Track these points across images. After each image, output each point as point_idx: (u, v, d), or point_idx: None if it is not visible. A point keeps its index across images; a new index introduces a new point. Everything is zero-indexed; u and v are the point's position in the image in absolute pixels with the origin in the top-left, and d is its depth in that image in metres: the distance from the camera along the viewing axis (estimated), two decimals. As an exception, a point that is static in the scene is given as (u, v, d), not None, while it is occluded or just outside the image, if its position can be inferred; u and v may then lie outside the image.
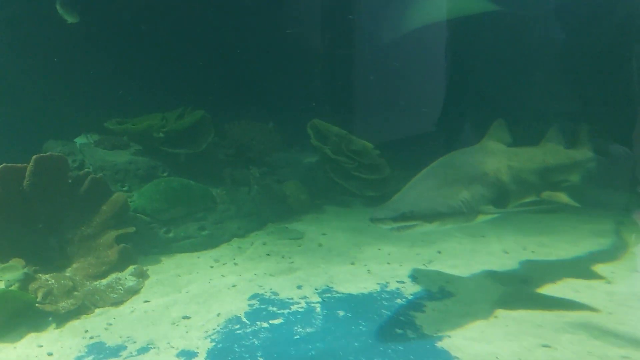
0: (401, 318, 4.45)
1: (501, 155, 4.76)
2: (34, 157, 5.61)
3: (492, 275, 5.40)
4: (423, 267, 5.72)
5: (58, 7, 7.10)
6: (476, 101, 10.75)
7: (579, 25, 9.47)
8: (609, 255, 5.92)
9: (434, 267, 5.73)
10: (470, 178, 4.34)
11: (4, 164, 5.45)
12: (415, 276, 5.46)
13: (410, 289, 5.11)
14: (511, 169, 4.64)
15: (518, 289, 4.95)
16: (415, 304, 4.74)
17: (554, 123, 5.60)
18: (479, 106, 10.76)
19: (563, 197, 4.95)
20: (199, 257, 6.41)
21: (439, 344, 3.92)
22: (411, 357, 3.77)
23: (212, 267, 6.06)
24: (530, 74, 10.06)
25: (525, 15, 9.88)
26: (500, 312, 4.40)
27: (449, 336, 4.03)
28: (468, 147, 5.10)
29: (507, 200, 4.55)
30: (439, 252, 6.18)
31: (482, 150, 4.86)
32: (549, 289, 4.89)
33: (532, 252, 6.16)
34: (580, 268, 5.47)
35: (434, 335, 4.08)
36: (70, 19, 7.20)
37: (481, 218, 4.29)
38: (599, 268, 5.41)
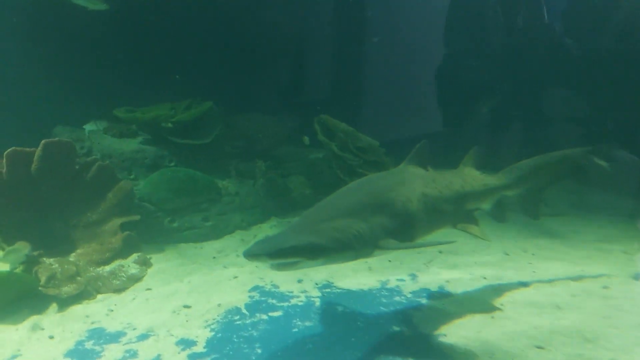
0: (399, 316, 4.49)
1: (417, 182, 4.18)
2: (43, 142, 5.69)
3: (491, 275, 5.41)
4: (423, 266, 5.75)
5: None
6: (485, 100, 10.78)
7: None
8: (609, 260, 5.92)
9: (434, 266, 5.76)
10: (373, 207, 3.79)
11: (13, 148, 5.53)
12: (415, 275, 5.49)
13: (410, 287, 5.14)
14: (426, 197, 4.09)
15: (516, 291, 4.97)
16: (413, 302, 4.77)
17: (474, 145, 5.04)
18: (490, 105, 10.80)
19: (476, 230, 4.43)
20: (202, 248, 6.48)
21: (435, 342, 3.95)
22: (407, 354, 3.80)
23: (214, 257, 6.13)
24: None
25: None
26: (497, 313, 4.42)
27: (445, 335, 4.06)
28: (386, 170, 4.63)
29: (417, 232, 4.01)
30: (440, 252, 6.19)
31: (397, 176, 4.29)
32: (546, 292, 4.90)
33: (532, 254, 6.17)
34: (578, 272, 5.48)
35: (431, 333, 4.11)
36: (93, 6, 7.17)
37: (379, 253, 3.77)
38: (597, 273, 5.41)
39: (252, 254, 3.32)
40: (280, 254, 3.32)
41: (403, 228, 3.84)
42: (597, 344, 3.87)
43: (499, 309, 4.51)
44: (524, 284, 5.14)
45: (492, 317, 4.33)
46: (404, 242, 3.81)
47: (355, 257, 3.66)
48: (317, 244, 3.40)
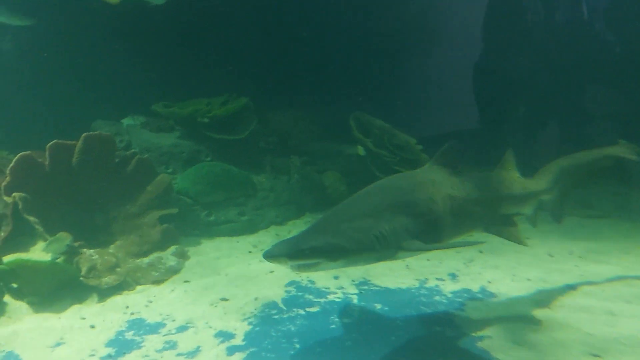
0: (440, 315, 4.37)
1: (442, 183, 4.02)
2: (84, 135, 5.77)
3: (535, 277, 5.22)
4: (463, 266, 5.60)
5: None
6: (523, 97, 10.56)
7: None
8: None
9: (475, 266, 5.60)
10: (396, 208, 3.67)
11: (55, 140, 5.61)
12: (455, 274, 5.35)
13: (450, 287, 5.00)
14: (452, 198, 3.92)
15: (564, 294, 4.76)
16: (454, 302, 4.64)
17: (509, 148, 4.81)
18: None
19: (511, 233, 4.23)
20: (238, 242, 6.49)
21: (479, 344, 3.81)
22: (450, 356, 3.68)
23: (250, 252, 6.12)
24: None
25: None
26: (546, 317, 4.23)
27: (490, 337, 3.91)
28: (412, 170, 4.48)
29: (443, 234, 3.85)
30: (481, 252, 6.02)
31: (422, 176, 4.13)
32: (597, 296, 4.67)
33: (579, 257, 5.92)
34: (631, 278, 5.20)
35: (474, 335, 3.97)
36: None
37: (403, 254, 3.64)
38: (652, 279, 5.16)
39: (271, 255, 3.25)
40: (300, 255, 3.23)
41: (427, 229, 3.70)
42: (658, 353, 3.64)
43: (547, 313, 4.33)
44: (572, 287, 4.92)
45: (541, 322, 4.14)
46: (428, 243, 3.67)
47: (378, 259, 3.55)
48: (337, 245, 3.30)
